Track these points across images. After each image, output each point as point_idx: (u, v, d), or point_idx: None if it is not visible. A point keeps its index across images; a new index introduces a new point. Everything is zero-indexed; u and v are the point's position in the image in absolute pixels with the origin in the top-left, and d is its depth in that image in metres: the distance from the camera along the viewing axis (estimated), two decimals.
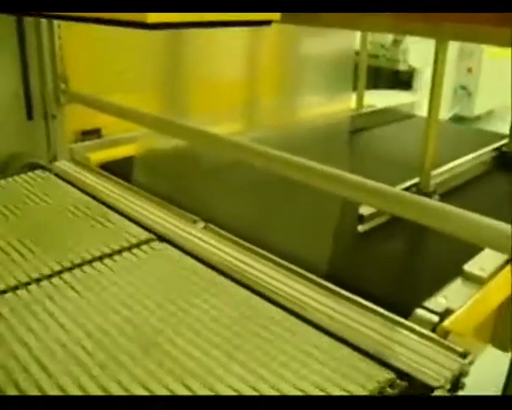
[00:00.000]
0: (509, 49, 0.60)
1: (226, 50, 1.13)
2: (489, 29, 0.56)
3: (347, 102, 0.97)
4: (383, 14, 0.60)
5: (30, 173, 1.27)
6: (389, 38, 3.45)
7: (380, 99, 1.98)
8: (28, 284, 0.84)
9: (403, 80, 3.72)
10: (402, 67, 3.61)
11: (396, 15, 0.56)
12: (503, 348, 0.94)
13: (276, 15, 0.61)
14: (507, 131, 1.61)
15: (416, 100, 1.96)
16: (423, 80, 3.59)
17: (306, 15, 0.66)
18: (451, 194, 1.22)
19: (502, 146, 1.51)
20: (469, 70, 3.67)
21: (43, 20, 1.23)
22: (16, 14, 1.01)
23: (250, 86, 1.22)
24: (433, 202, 0.86)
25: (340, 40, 0.81)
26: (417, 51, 3.57)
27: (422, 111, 1.99)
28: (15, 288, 0.83)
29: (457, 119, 3.66)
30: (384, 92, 2.58)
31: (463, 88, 3.66)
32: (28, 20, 1.23)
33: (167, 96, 1.28)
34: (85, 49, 1.36)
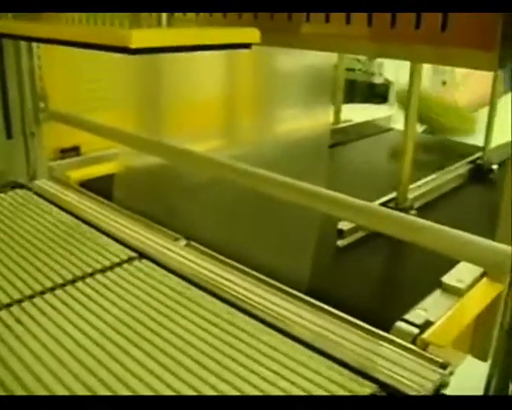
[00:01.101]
0: None
1: (204, 69, 1.14)
2: (466, 52, 0.58)
3: (327, 117, 0.98)
4: (364, 39, 0.62)
5: (9, 192, 1.26)
6: None
7: (356, 113, 2.00)
8: (9, 305, 0.84)
9: (378, 93, 3.77)
10: (377, 80, 3.66)
11: (377, 39, 0.58)
12: (482, 358, 0.96)
13: (255, 38, 0.63)
14: (480, 144, 1.64)
15: (392, 113, 1.98)
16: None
17: (286, 38, 0.68)
18: (428, 207, 1.25)
19: (477, 159, 1.54)
20: (444, 83, 3.72)
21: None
22: None
23: (228, 104, 1.23)
24: (410, 218, 0.88)
25: (318, 55, 0.82)
26: (392, 65, 3.62)
27: (398, 124, 2.03)
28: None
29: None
30: (360, 106, 2.61)
31: None
32: (6, 40, 1.24)
33: (146, 114, 1.29)
34: (64, 67, 1.36)
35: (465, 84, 3.10)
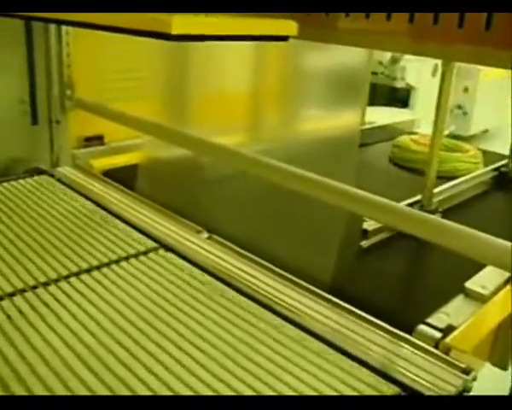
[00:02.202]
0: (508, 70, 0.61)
1: (234, 61, 1.14)
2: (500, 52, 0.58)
3: (358, 117, 0.98)
4: (400, 35, 0.61)
5: (33, 178, 1.27)
6: (387, 55, 3.48)
7: (378, 116, 1.99)
8: (35, 287, 0.84)
9: (399, 98, 3.76)
10: (399, 84, 3.65)
11: (412, 36, 0.57)
12: (502, 367, 0.95)
13: (292, 31, 0.62)
14: (503, 152, 1.64)
15: (416, 118, 1.98)
16: (419, 98, 3.63)
17: (323, 32, 0.68)
18: (452, 212, 1.24)
19: (501, 166, 1.53)
20: (466, 90, 3.70)
21: (52, 27, 1.24)
22: (27, 18, 1.01)
23: (257, 98, 1.23)
24: (437, 219, 0.87)
25: (353, 55, 0.82)
26: (414, 70, 3.61)
27: (420, 128, 2.02)
28: (23, 290, 0.83)
29: (452, 137, 3.70)
30: (382, 109, 2.60)
31: (459, 107, 3.69)
32: (37, 27, 1.24)
33: (172, 105, 1.29)
34: (91, 56, 1.37)
35: None
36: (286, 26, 0.62)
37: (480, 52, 0.58)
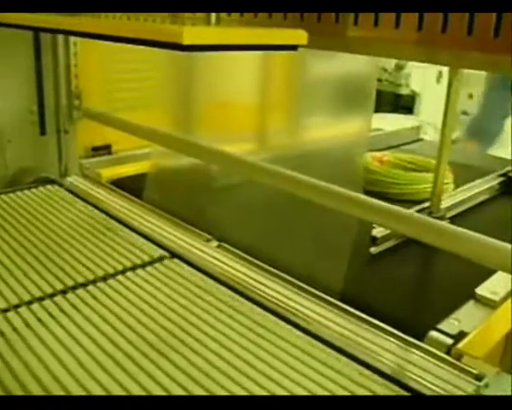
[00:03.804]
0: None
1: (241, 69, 1.15)
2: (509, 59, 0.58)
3: (367, 125, 0.98)
4: (408, 43, 0.61)
5: (41, 188, 1.28)
6: (392, 62, 3.49)
7: (384, 122, 2.00)
8: (42, 298, 0.84)
9: (404, 104, 3.76)
10: (404, 91, 3.65)
11: (427, 44, 0.57)
12: None
13: (303, 40, 0.63)
14: (508, 157, 1.64)
15: (422, 124, 1.98)
16: (424, 104, 3.63)
17: (332, 41, 0.68)
18: (460, 218, 1.24)
19: (508, 172, 1.53)
20: (470, 96, 3.70)
21: (60, 38, 1.25)
22: (36, 29, 1.02)
23: (263, 106, 1.23)
24: (445, 225, 0.87)
25: (361, 62, 0.82)
26: (419, 76, 3.61)
27: (426, 135, 2.02)
28: (29, 302, 0.83)
29: (458, 143, 3.69)
30: (386, 116, 2.60)
31: (465, 113, 3.69)
32: (45, 38, 1.25)
33: (180, 114, 1.30)
34: (99, 66, 1.38)
35: None
36: (296, 35, 0.62)
37: (490, 59, 0.58)
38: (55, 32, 1.07)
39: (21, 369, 0.68)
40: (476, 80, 3.63)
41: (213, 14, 0.60)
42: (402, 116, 3.21)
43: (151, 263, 0.97)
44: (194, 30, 0.54)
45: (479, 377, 0.72)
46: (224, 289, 0.90)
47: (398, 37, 0.63)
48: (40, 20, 0.79)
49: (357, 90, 0.92)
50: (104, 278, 0.91)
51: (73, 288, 0.88)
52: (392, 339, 0.79)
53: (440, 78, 3.46)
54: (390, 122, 1.99)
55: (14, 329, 0.76)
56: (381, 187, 1.29)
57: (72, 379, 0.67)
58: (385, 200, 0.86)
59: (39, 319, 0.79)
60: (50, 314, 0.80)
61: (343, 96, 0.98)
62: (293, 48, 0.63)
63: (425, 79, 3.64)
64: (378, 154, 1.49)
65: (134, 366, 0.70)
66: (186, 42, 0.53)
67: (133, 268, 0.95)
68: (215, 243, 1.04)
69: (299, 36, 0.63)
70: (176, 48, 0.54)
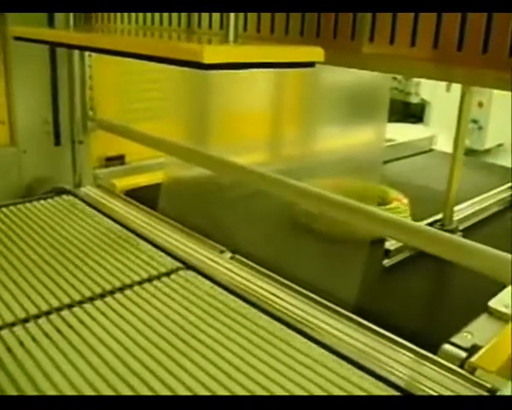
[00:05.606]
0: None
1: (254, 80, 1.16)
2: None
3: (382, 135, 0.98)
4: (424, 60, 0.62)
5: (56, 198, 1.29)
6: None
7: (396, 132, 1.99)
8: (60, 309, 0.85)
9: (414, 113, 3.75)
10: (414, 99, 3.65)
11: (442, 63, 0.58)
12: None
13: (319, 57, 0.64)
14: None
15: (433, 134, 1.98)
16: (434, 113, 3.62)
17: (348, 57, 0.69)
18: (472, 230, 1.24)
19: None
20: (480, 104, 3.69)
21: (75, 51, 1.27)
22: (53, 44, 1.04)
23: (277, 116, 1.24)
24: (458, 238, 0.88)
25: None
26: (429, 85, 3.61)
27: (437, 145, 2.01)
28: (48, 313, 0.84)
29: (467, 151, 3.68)
30: (398, 125, 2.60)
31: (474, 122, 3.68)
32: (61, 51, 1.27)
33: (193, 126, 1.31)
34: (114, 78, 1.40)
35: None
36: (313, 52, 0.63)
37: (505, 77, 0.59)
38: (73, 47, 1.09)
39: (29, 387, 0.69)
40: (486, 89, 3.63)
41: (231, 31, 0.61)
42: (412, 126, 3.20)
43: (167, 274, 0.97)
44: (213, 49, 0.55)
45: (492, 391, 0.73)
46: (237, 299, 0.90)
47: (414, 54, 0.63)
48: (59, 36, 0.80)
49: (370, 99, 0.93)
50: (121, 289, 0.92)
51: (91, 299, 0.89)
52: (405, 352, 0.79)
53: (450, 86, 3.45)
54: (399, 132, 1.99)
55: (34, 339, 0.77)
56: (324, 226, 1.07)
57: (92, 389, 0.68)
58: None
59: (58, 329, 0.80)
60: (68, 324, 0.81)
61: (357, 105, 0.99)
62: (311, 65, 0.64)
63: (435, 87, 3.63)
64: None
65: (149, 374, 0.71)
66: (206, 61, 0.53)
67: (149, 279, 0.96)
68: (229, 255, 1.04)
69: (317, 53, 0.64)
70: (196, 66, 0.54)
